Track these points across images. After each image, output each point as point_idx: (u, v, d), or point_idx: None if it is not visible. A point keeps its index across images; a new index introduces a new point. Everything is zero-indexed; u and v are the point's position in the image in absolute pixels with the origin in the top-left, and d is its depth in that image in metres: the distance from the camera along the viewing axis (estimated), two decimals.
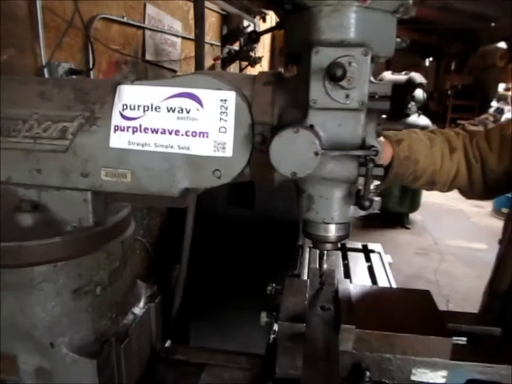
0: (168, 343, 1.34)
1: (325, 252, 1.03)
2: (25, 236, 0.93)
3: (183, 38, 3.41)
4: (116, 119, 0.91)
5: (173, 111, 0.88)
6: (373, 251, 1.58)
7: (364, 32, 0.78)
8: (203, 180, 0.91)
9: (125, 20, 2.49)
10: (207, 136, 0.88)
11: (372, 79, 0.85)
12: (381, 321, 0.90)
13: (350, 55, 0.75)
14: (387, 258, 1.53)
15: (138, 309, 1.17)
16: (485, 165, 1.34)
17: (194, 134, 0.88)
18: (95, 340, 1.03)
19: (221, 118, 0.87)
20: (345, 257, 1.52)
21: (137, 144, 0.90)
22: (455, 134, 1.39)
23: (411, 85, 5.56)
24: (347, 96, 0.77)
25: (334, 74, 0.69)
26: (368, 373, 0.85)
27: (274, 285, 1.11)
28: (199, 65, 2.61)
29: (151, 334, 1.24)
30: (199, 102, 0.87)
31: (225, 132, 0.87)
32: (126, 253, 1.10)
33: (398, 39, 0.88)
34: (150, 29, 2.85)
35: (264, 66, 5.38)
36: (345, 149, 0.82)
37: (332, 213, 0.92)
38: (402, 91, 5.46)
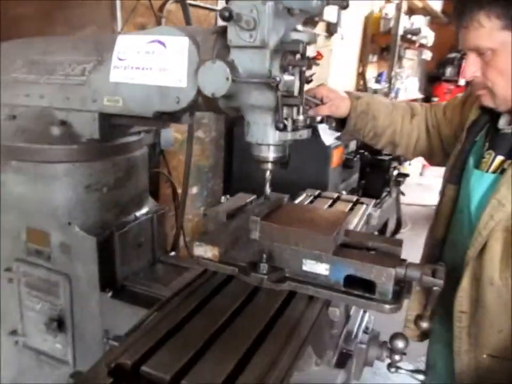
0: (172, 254, 1.69)
1: (267, 173, 1.27)
2: (55, 142, 1.33)
3: None
4: (115, 61, 1.26)
5: (148, 53, 1.20)
6: (361, 203, 1.75)
7: None
8: (168, 105, 1.22)
9: (197, 2, 2.86)
10: (170, 71, 1.18)
11: (299, 27, 1.09)
12: (286, 219, 1.12)
13: (252, 4, 1.00)
14: (372, 212, 1.69)
15: (140, 215, 1.52)
16: (441, 131, 1.48)
17: (162, 69, 1.19)
18: (100, 227, 1.41)
19: (178, 58, 1.17)
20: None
21: (126, 78, 1.24)
22: (418, 104, 1.55)
23: None
24: (251, 36, 1.02)
25: (222, 15, 0.96)
26: (265, 265, 1.08)
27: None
28: None
29: (153, 241, 1.58)
30: (164, 45, 1.18)
31: (181, 68, 1.17)
32: (131, 169, 1.47)
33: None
34: None
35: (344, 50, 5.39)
36: (256, 78, 1.06)
37: (263, 135, 1.17)
38: None
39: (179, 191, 2.82)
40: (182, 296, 1.05)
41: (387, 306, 1.00)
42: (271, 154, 1.20)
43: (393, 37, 6.27)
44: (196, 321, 0.95)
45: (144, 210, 1.56)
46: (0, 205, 1.49)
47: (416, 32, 6.79)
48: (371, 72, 6.56)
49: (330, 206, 1.72)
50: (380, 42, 6.51)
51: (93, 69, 1.30)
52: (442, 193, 1.40)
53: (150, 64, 1.21)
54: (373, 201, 1.77)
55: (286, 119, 1.15)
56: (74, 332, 1.49)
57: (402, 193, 4.15)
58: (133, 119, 1.30)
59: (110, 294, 1.40)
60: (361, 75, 6.10)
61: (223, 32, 1.14)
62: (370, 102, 1.49)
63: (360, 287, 1.06)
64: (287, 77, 1.09)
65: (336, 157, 2.63)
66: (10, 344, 1.64)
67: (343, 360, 1.18)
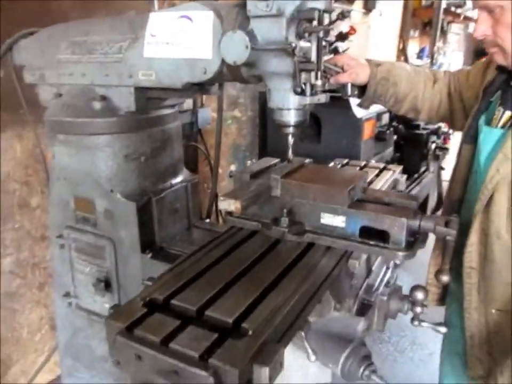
0: (207, 221, 1.80)
1: (290, 137, 1.34)
2: (96, 115, 1.46)
3: None
4: (147, 37, 1.37)
5: (176, 28, 1.30)
6: (388, 169, 1.78)
7: None
8: (196, 76, 1.31)
9: None
10: (197, 44, 1.27)
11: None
12: (306, 178, 1.20)
13: None
14: (398, 177, 1.72)
15: (175, 183, 1.64)
16: (463, 95, 1.50)
17: (190, 43, 1.29)
18: (139, 194, 1.53)
19: (204, 31, 1.25)
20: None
21: (158, 53, 1.35)
22: (442, 71, 1.57)
23: None
24: (267, 5, 1.09)
25: None
26: (285, 219, 1.16)
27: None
28: None
29: (188, 208, 1.70)
30: (191, 20, 1.27)
31: (207, 40, 1.25)
32: (166, 140, 1.58)
33: None
34: None
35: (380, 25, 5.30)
36: (274, 45, 1.13)
37: (283, 100, 1.25)
38: None
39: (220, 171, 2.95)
40: (209, 247, 1.16)
41: (400, 253, 1.06)
42: (292, 118, 1.28)
43: (435, 10, 6.09)
44: (220, 267, 1.05)
45: (179, 179, 1.67)
46: (50, 177, 1.66)
47: (461, 4, 6.55)
48: (413, 48, 6.41)
49: None
50: (422, 17, 6.35)
51: (129, 46, 1.41)
52: (459, 154, 1.43)
53: (179, 38, 1.30)
54: (400, 167, 1.80)
55: (305, 84, 1.22)
56: (120, 291, 1.64)
57: (442, 168, 4.07)
58: (165, 91, 1.40)
59: (149, 255, 1.53)
60: (402, 51, 5.98)
61: (244, 4, 1.22)
62: (391, 68, 1.52)
63: (376, 238, 1.12)
64: (303, 44, 1.15)
65: (368, 129, 2.65)
66: (64, 306, 1.81)
67: (363, 310, 1.25)
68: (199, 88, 1.43)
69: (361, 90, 1.56)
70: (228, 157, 3.30)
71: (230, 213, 1.29)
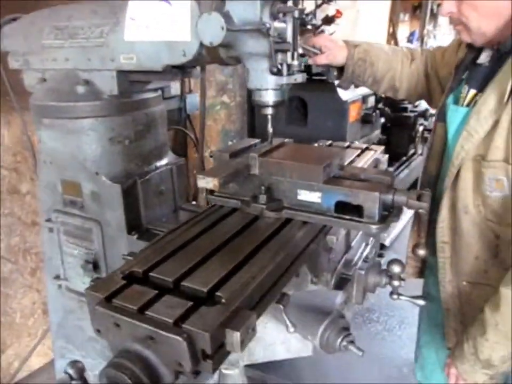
0: (193, 202, 1.83)
1: (269, 117, 1.37)
2: (79, 99, 1.48)
3: None
4: (128, 21, 1.39)
5: (155, 11, 1.32)
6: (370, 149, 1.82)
7: None
8: (175, 58, 1.33)
9: None
10: (175, 27, 1.30)
11: None
12: (284, 156, 1.23)
13: None
14: (379, 157, 1.75)
15: (160, 165, 1.67)
16: (439, 73, 1.53)
17: (168, 25, 1.31)
18: (124, 176, 1.56)
19: (182, 13, 1.28)
20: None
21: (138, 36, 1.37)
22: (420, 49, 1.60)
23: None
24: None
25: None
26: (264, 196, 1.20)
27: None
28: None
29: (174, 190, 1.73)
30: (169, 3, 1.29)
31: (185, 22, 1.28)
32: (151, 123, 1.61)
33: None
34: None
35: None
36: (250, 25, 1.16)
37: (261, 81, 1.27)
38: None
39: (206, 154, 2.98)
40: (190, 224, 1.19)
41: (373, 226, 1.10)
42: (270, 98, 1.30)
43: None
44: (199, 241, 1.08)
45: (164, 161, 1.70)
46: (38, 161, 1.68)
47: None
48: (403, 31, 6.42)
49: None
50: (412, 0, 6.35)
51: (110, 30, 1.43)
52: (433, 131, 1.47)
53: (158, 21, 1.32)
54: (382, 147, 1.83)
55: (281, 64, 1.24)
56: (108, 272, 1.67)
57: None
58: (147, 74, 1.43)
59: (135, 236, 1.56)
60: (392, 35, 5.99)
61: None
62: (368, 49, 1.55)
63: (352, 213, 1.16)
64: (277, 24, 1.18)
65: (353, 112, 2.68)
66: (55, 288, 1.85)
67: (342, 284, 1.30)
68: (180, 71, 1.45)
69: (340, 71, 1.59)
70: (218, 142, 3.32)
71: (212, 192, 1.33)
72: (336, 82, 1.67)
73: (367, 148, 1.87)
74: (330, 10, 3.08)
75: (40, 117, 1.55)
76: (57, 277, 1.82)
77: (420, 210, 1.13)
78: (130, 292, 0.88)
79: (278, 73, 1.21)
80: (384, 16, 5.88)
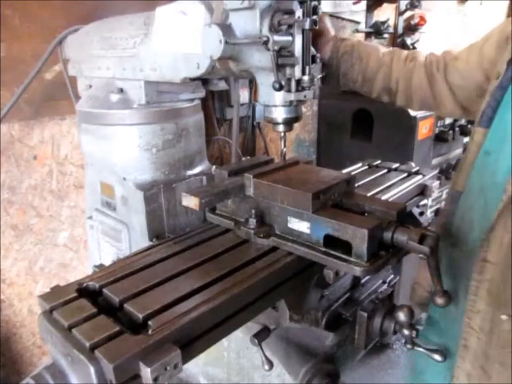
0: None
1: (282, 134, 1.29)
2: (112, 106, 1.54)
3: None
4: (154, 32, 1.40)
5: (174, 23, 1.31)
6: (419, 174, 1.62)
7: None
8: (191, 71, 1.31)
9: None
10: (190, 38, 1.28)
11: None
12: (281, 178, 1.13)
13: None
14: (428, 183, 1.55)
15: (190, 174, 1.67)
16: (448, 74, 1.27)
17: (185, 37, 1.30)
18: (150, 183, 1.59)
19: (195, 25, 1.25)
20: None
21: (161, 48, 1.38)
22: (424, 52, 1.37)
23: None
24: None
25: None
26: (253, 220, 1.13)
27: None
28: None
29: None
30: (185, 14, 1.28)
31: (198, 34, 1.25)
32: (181, 132, 1.61)
33: None
34: None
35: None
36: (250, 38, 1.10)
37: (269, 96, 1.20)
38: None
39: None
40: (175, 241, 1.16)
41: (357, 268, 0.97)
42: (279, 115, 1.23)
43: None
44: (170, 262, 1.05)
45: (197, 170, 1.70)
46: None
47: None
48: None
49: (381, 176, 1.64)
50: None
51: (141, 41, 1.46)
52: (471, 138, 1.21)
53: (176, 32, 1.32)
54: (434, 172, 1.63)
55: (289, 79, 1.16)
56: None
57: None
58: (172, 85, 1.43)
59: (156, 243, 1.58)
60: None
61: None
62: (356, 44, 1.37)
63: (344, 249, 1.04)
64: (279, 37, 1.09)
65: (424, 128, 2.42)
66: None
67: (337, 324, 1.17)
68: (203, 82, 1.43)
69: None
70: (291, 151, 3.26)
71: (213, 210, 1.29)
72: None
73: (416, 172, 1.69)
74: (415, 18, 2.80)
75: (80, 121, 1.64)
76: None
77: (420, 256, 0.97)
78: (72, 306, 0.88)
79: (281, 89, 1.12)
80: (501, 15, 5.27)
